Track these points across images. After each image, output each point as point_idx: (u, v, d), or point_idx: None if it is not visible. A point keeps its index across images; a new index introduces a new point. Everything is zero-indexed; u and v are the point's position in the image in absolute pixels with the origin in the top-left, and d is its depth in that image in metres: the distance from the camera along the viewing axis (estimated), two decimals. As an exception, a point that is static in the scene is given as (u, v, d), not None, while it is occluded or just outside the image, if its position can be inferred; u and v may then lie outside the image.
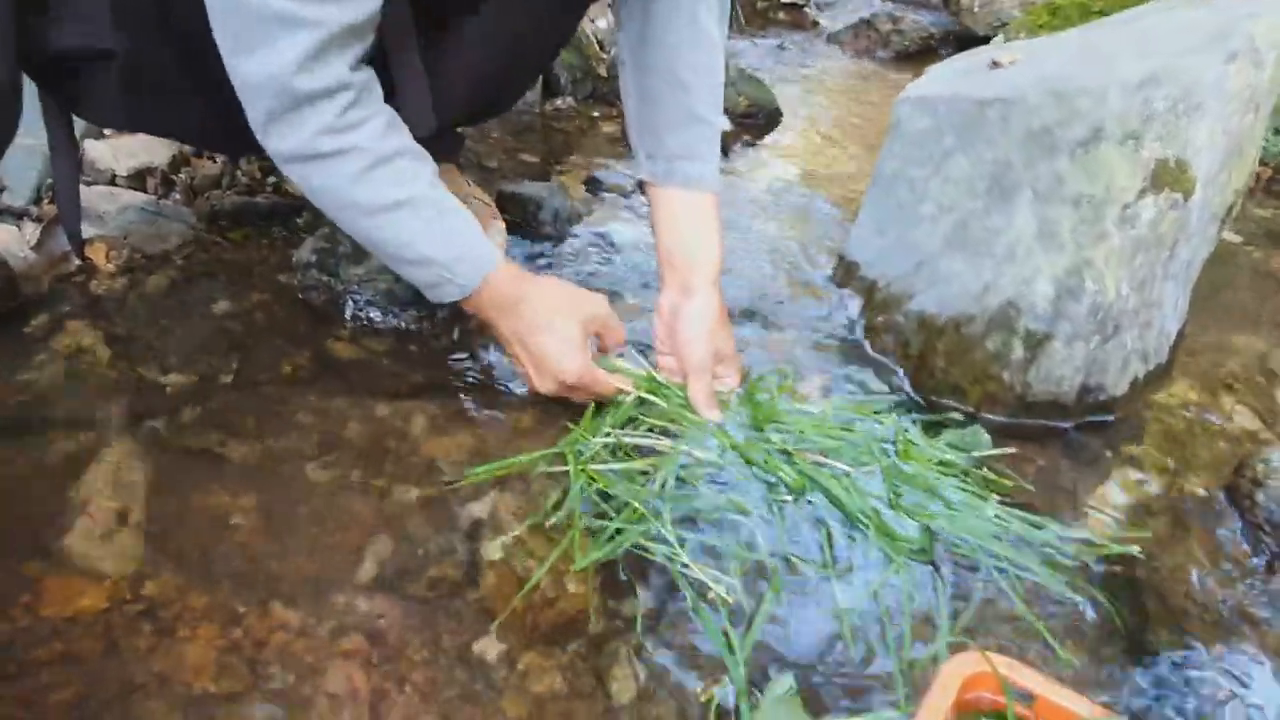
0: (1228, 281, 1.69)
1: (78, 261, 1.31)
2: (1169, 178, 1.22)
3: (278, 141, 0.96)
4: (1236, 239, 1.86)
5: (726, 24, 1.20)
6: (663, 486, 1.02)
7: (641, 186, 1.21)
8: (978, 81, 1.52)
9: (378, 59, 1.03)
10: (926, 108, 1.51)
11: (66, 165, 1.19)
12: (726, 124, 1.22)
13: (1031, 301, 1.21)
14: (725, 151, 2.06)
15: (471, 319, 1.23)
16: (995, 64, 1.57)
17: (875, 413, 1.16)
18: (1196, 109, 1.23)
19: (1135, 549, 1.01)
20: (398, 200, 0.99)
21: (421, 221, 1.00)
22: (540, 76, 2.10)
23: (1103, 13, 2.34)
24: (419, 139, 1.08)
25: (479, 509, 1.03)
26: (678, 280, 1.15)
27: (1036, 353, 1.21)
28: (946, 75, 1.63)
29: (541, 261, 1.52)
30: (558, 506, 1.01)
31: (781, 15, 3.11)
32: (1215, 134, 1.26)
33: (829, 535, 1.00)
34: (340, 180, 0.97)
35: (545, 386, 1.10)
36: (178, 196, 1.52)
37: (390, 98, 1.04)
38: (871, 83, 2.68)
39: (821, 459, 1.06)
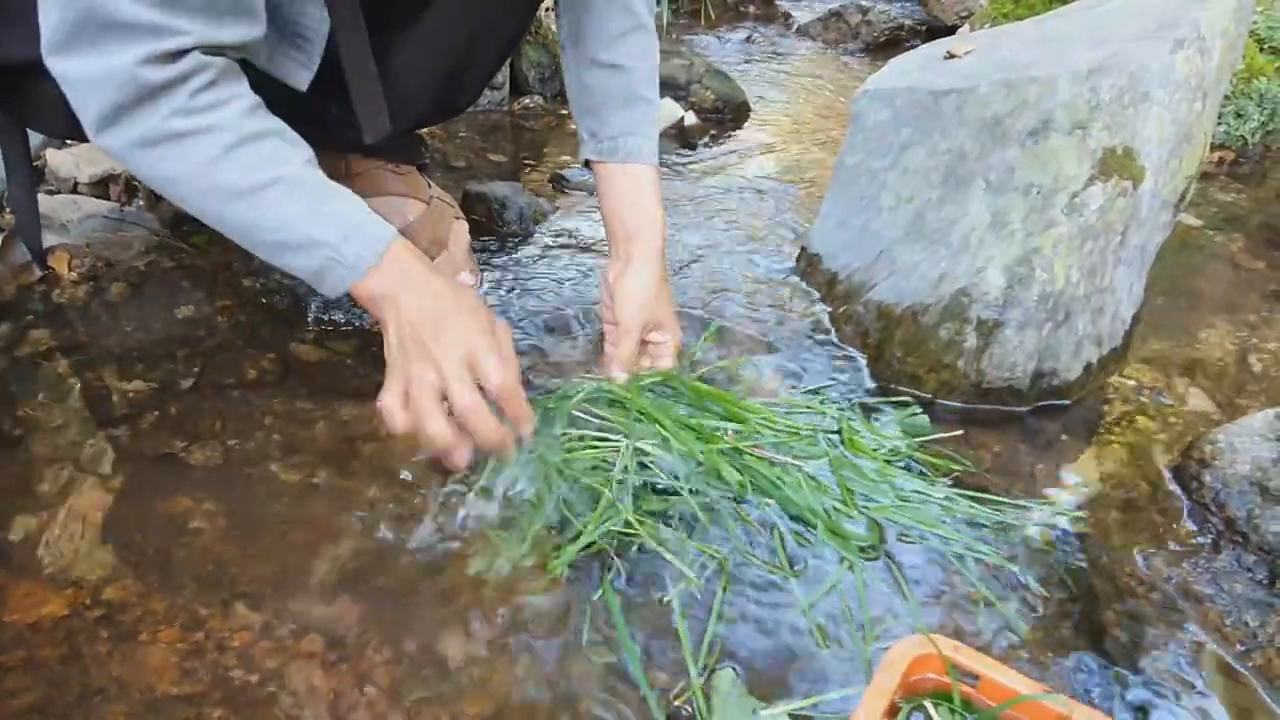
0: (1187, 266, 1.72)
1: (40, 271, 1.31)
2: (1117, 166, 1.24)
3: (124, 132, 0.86)
4: (1197, 223, 1.89)
5: (654, 10, 1.24)
6: (623, 473, 1.01)
7: (588, 164, 1.24)
8: (934, 73, 1.54)
9: (331, 64, 1.03)
10: (884, 100, 1.53)
11: (22, 179, 1.19)
12: (658, 101, 1.25)
13: (984, 290, 1.23)
14: (693, 146, 2.08)
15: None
16: (951, 55, 1.59)
17: (820, 403, 1.18)
18: (1143, 98, 1.25)
19: (1071, 520, 1.04)
20: (269, 179, 0.89)
21: (297, 201, 0.91)
22: (504, 75, 2.11)
23: (1064, 0, 2.36)
24: (376, 143, 1.08)
25: (442, 507, 1.04)
26: (621, 250, 1.18)
27: (989, 340, 1.23)
28: (905, 67, 1.64)
29: (507, 261, 1.53)
30: (534, 506, 1.02)
31: (752, 9, 3.12)
32: (1163, 122, 1.28)
33: (781, 537, 1.00)
34: (198, 163, 0.88)
35: (454, 380, 0.90)
36: (140, 203, 1.52)
37: (344, 102, 1.04)
38: (840, 75, 2.69)
39: (772, 455, 1.06)
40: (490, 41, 1.19)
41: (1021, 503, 1.08)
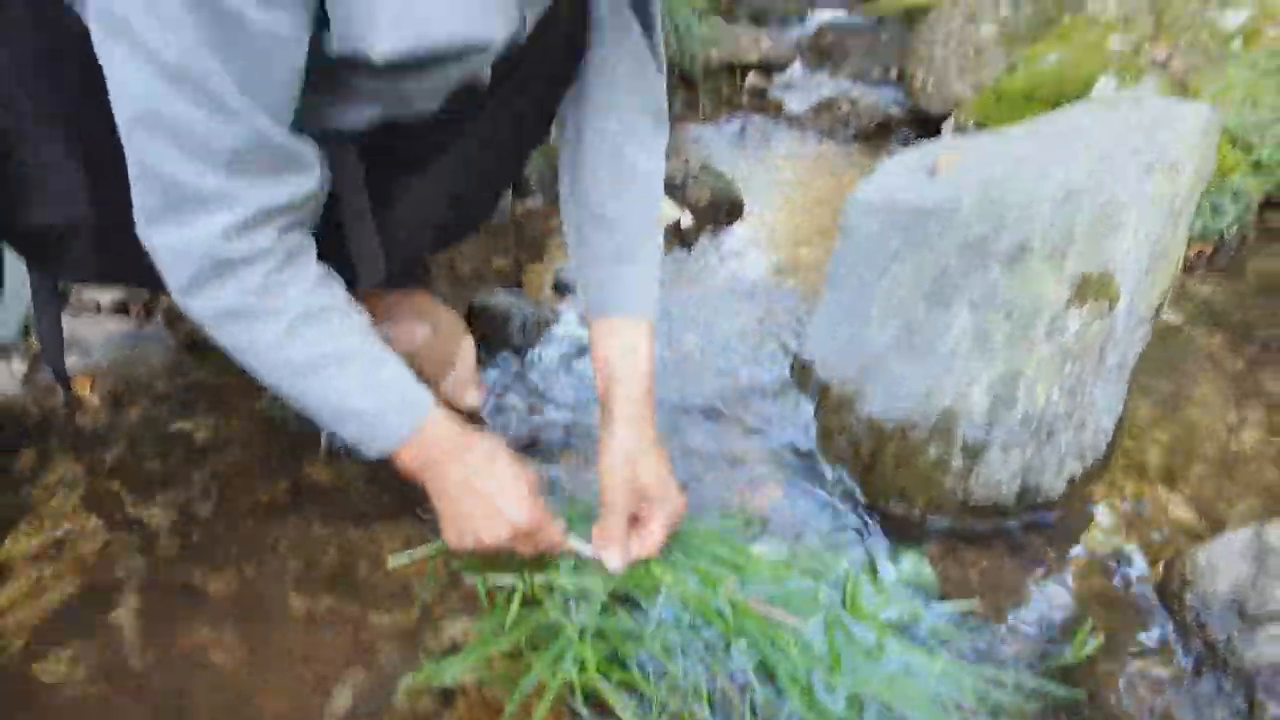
0: (1168, 365, 1.77)
1: (65, 394, 1.36)
2: (1093, 289, 1.30)
3: (202, 304, 0.95)
4: (1178, 320, 1.95)
5: (662, 149, 1.22)
6: (601, 611, 1.06)
7: (583, 317, 1.25)
8: (918, 187, 1.61)
9: (330, 207, 1.09)
10: (872, 213, 1.60)
11: (50, 315, 1.25)
12: (658, 255, 1.20)
13: (969, 410, 1.28)
14: (690, 246, 2.15)
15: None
16: (934, 170, 1.67)
17: (827, 553, 1.20)
18: (1118, 224, 1.32)
19: (1061, 648, 1.07)
20: (325, 355, 0.98)
21: (348, 376, 0.99)
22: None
23: (1044, 100, 2.47)
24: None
25: (450, 635, 1.08)
26: (608, 411, 1.14)
27: (975, 461, 1.28)
28: (891, 179, 1.71)
29: (512, 374, 1.59)
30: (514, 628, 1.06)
31: (746, 99, 3.24)
32: (1138, 244, 1.35)
33: (752, 702, 1.00)
34: (267, 338, 0.96)
35: (494, 534, 1.02)
36: (159, 320, 1.58)
37: (342, 248, 1.10)
38: (832, 165, 2.78)
39: (767, 610, 1.07)
40: (489, 186, 1.25)
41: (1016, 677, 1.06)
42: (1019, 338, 1.29)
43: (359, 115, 1.03)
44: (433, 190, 1.18)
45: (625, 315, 1.16)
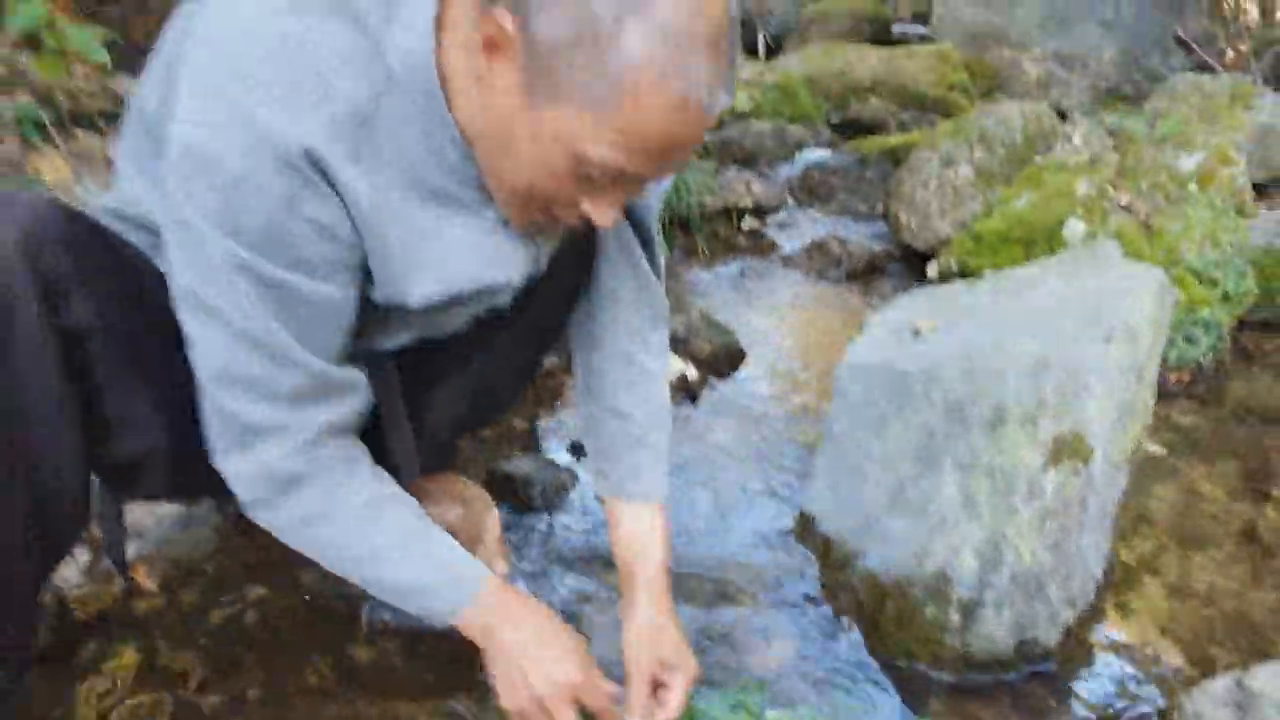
0: (1154, 500, 1.87)
1: (124, 583, 1.47)
2: (1068, 450, 1.42)
3: (272, 516, 1.08)
4: (1161, 451, 2.05)
5: (665, 346, 1.37)
6: None
7: (600, 498, 1.37)
8: (903, 350, 1.75)
9: (370, 415, 1.22)
10: (862, 375, 1.73)
11: (113, 508, 1.36)
12: (666, 440, 1.35)
13: (960, 572, 1.38)
14: (695, 398, 2.29)
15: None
16: (917, 333, 1.81)
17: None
18: (1083, 389, 1.45)
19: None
20: (385, 544, 1.10)
21: (406, 557, 1.11)
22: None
23: (1019, 240, 2.64)
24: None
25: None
26: (627, 587, 1.26)
27: (969, 618, 1.37)
28: (879, 340, 1.85)
29: (533, 541, 1.70)
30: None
31: (742, 240, 3.44)
32: (1105, 405, 1.47)
33: None
34: (333, 536, 1.09)
35: (545, 690, 1.10)
36: (208, 501, 1.70)
37: (380, 450, 1.21)
38: (827, 305, 2.95)
39: None
40: (512, 383, 1.40)
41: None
42: (1001, 500, 1.40)
43: (397, 339, 1.18)
44: (462, 393, 1.32)
45: (639, 498, 1.29)
